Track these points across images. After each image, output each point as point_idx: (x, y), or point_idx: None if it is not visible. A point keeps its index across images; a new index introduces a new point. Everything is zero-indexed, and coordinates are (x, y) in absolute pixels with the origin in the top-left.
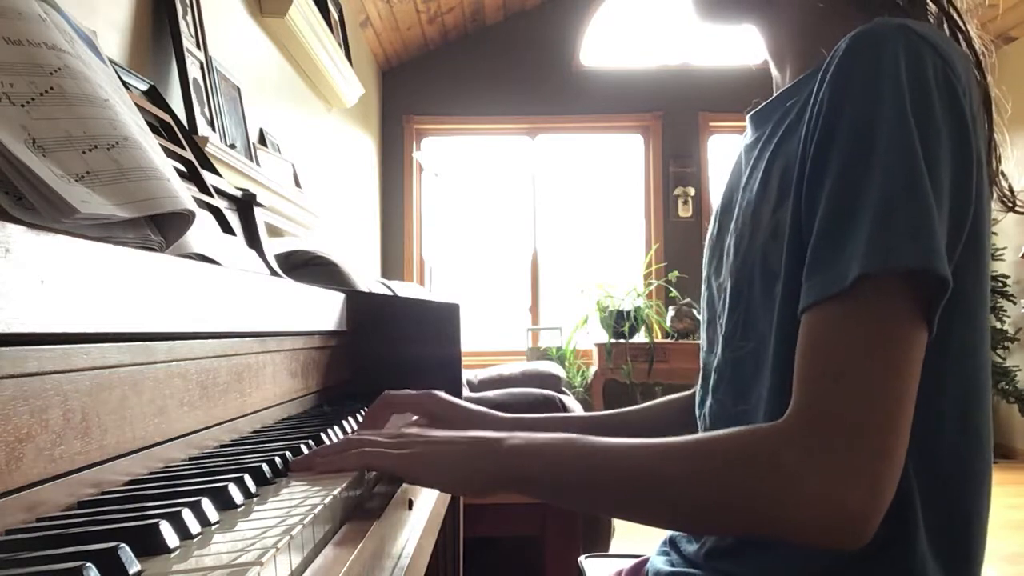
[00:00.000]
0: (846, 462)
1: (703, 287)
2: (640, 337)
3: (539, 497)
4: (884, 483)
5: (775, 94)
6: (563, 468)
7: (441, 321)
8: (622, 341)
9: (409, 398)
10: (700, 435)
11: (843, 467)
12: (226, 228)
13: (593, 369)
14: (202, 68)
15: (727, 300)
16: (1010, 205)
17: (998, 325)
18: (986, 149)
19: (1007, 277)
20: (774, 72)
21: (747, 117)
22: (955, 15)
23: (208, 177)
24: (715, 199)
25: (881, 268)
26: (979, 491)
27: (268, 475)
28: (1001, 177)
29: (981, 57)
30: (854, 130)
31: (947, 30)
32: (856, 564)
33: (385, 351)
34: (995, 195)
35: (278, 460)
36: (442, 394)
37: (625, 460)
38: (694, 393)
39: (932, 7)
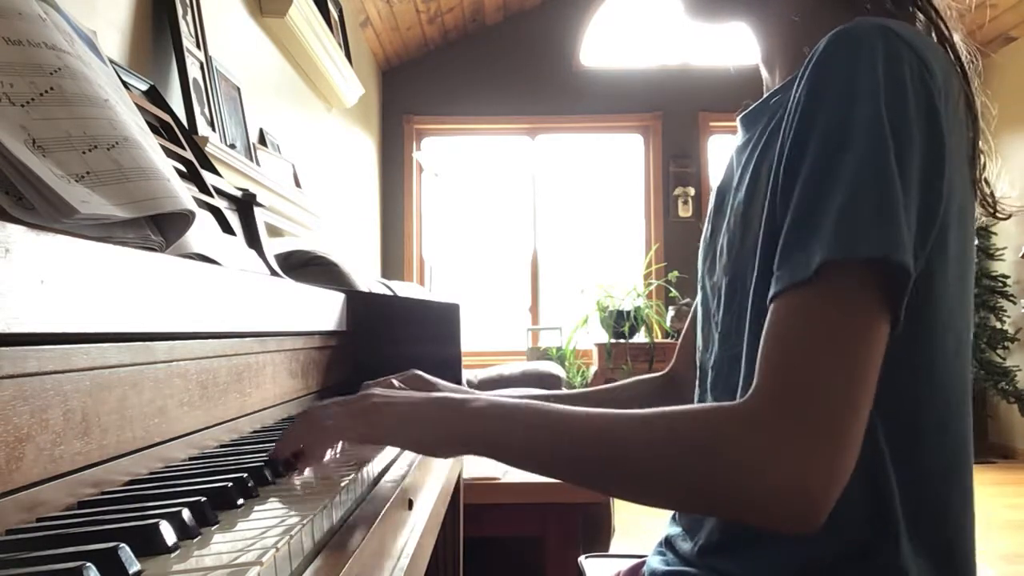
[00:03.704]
0: (801, 447)
1: (699, 287)
2: (640, 337)
3: (501, 460)
4: (839, 469)
5: (764, 96)
6: (526, 433)
7: (441, 321)
8: (622, 341)
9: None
10: (665, 408)
11: (798, 452)
12: (226, 228)
13: (593, 369)
14: (202, 68)
15: (722, 299)
16: (991, 211)
17: (998, 325)
18: (969, 154)
19: (1007, 277)
20: (764, 75)
21: (737, 119)
22: (940, 23)
23: (208, 177)
24: (710, 201)
25: (844, 254)
26: (960, 486)
27: (268, 475)
28: (984, 184)
29: (966, 63)
30: (828, 126)
31: (934, 37)
32: (842, 562)
33: (385, 351)
34: (978, 199)
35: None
36: (422, 374)
37: (589, 430)
38: (660, 376)
39: (919, 14)
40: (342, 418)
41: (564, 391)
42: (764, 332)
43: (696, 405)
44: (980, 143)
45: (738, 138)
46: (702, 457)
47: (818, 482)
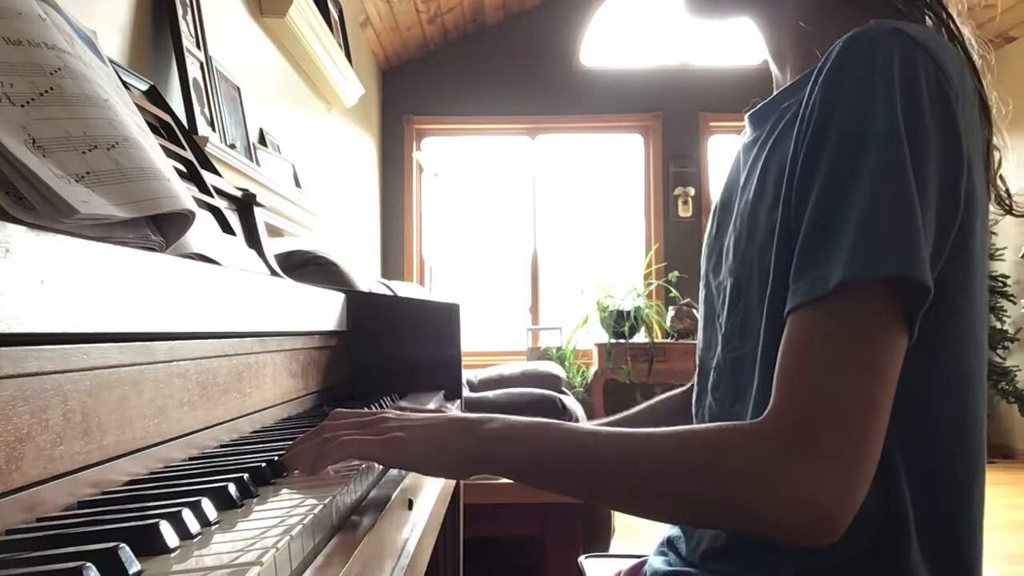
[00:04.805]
0: (818, 465)
1: (701, 285)
2: (640, 337)
3: (515, 480)
4: (856, 486)
5: (774, 93)
6: (541, 454)
7: (441, 321)
8: (622, 341)
9: None
10: (680, 428)
11: (815, 470)
12: (226, 228)
13: (593, 369)
14: (202, 68)
15: (727, 300)
16: (1007, 208)
17: (998, 325)
18: (984, 153)
19: (1007, 277)
20: (774, 71)
21: (746, 116)
22: (950, 19)
23: (208, 177)
24: (715, 199)
25: (863, 275)
26: (972, 497)
27: (268, 475)
28: (1000, 180)
29: (978, 61)
30: (844, 135)
31: (944, 34)
32: (850, 567)
33: (385, 351)
34: (992, 197)
35: (278, 460)
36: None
37: (604, 449)
38: (684, 391)
39: (928, 11)
40: (358, 441)
41: (591, 423)
42: (781, 348)
43: (713, 424)
44: (994, 140)
45: (745, 135)
46: (721, 477)
47: (835, 500)
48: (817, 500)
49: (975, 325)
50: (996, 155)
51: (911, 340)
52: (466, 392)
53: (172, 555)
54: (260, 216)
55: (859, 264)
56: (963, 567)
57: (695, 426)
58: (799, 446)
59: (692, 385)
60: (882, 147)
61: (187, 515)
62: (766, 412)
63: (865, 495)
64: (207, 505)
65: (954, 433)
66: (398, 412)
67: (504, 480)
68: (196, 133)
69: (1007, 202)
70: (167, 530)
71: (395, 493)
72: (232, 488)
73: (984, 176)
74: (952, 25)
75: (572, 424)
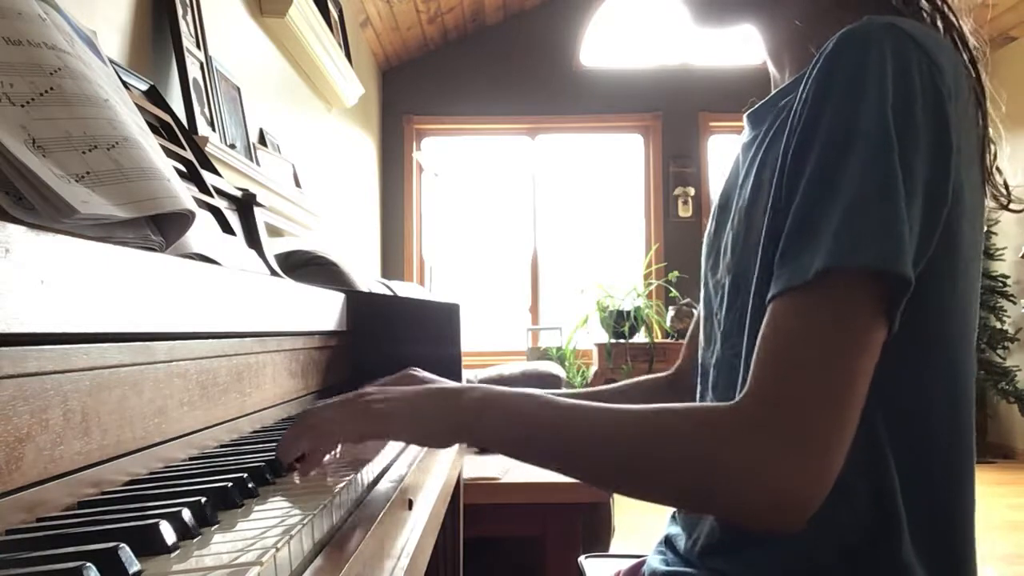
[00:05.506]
0: (787, 450)
1: (701, 284)
2: (640, 337)
3: (494, 449)
4: (824, 473)
5: (771, 93)
6: (520, 425)
7: (441, 321)
8: (622, 341)
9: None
10: (659, 405)
11: (783, 455)
12: (226, 228)
13: (593, 369)
14: (202, 68)
15: (725, 298)
16: (1004, 203)
17: (998, 325)
18: (979, 150)
19: (1007, 277)
20: (773, 71)
21: (744, 116)
22: (949, 14)
23: (208, 177)
24: (715, 198)
25: (844, 263)
26: (963, 490)
27: (268, 475)
28: (996, 173)
29: (976, 56)
30: (834, 128)
31: (941, 29)
32: (843, 561)
33: (385, 351)
34: (989, 193)
35: (277, 460)
36: (418, 371)
37: (582, 421)
38: (666, 376)
39: (925, 5)
40: (340, 418)
41: (568, 390)
42: (760, 333)
43: (690, 404)
44: (991, 133)
45: (744, 135)
46: (692, 456)
47: (801, 485)
48: (784, 483)
49: (967, 321)
50: (992, 148)
51: (891, 332)
52: None
53: (172, 555)
54: (260, 216)
55: (840, 252)
56: (957, 559)
57: (675, 405)
58: (768, 429)
59: (671, 374)
60: (871, 141)
61: (187, 515)
62: (741, 395)
63: (833, 480)
64: (207, 505)
65: (948, 429)
66: (378, 387)
67: (504, 480)
68: (196, 133)
69: (1005, 196)
70: (167, 530)
71: (395, 493)
72: (232, 488)
73: (979, 173)
74: (949, 22)
75: (555, 397)
